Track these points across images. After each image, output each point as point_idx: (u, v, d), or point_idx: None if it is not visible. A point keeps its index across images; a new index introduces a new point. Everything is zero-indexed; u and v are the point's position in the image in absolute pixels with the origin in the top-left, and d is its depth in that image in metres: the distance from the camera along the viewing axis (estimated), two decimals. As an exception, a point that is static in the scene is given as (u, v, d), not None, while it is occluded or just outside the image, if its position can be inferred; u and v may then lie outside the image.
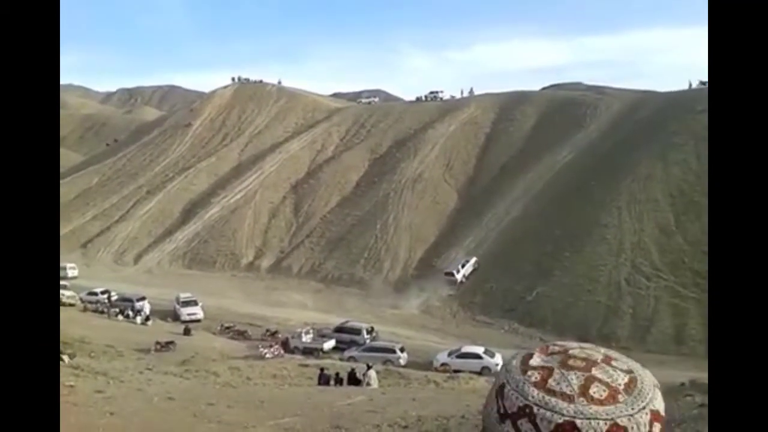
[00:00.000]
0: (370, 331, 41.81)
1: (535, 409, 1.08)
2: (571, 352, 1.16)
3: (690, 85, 79.08)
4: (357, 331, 41.41)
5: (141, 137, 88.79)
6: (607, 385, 1.08)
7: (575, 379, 1.09)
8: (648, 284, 45.54)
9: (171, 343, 36.07)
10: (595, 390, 1.08)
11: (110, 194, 74.94)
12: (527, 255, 52.31)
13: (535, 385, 1.11)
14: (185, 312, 46.05)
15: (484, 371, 33.25)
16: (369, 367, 27.97)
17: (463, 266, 55.34)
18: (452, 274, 54.67)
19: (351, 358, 35.61)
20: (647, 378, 1.12)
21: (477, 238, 59.21)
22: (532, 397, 1.10)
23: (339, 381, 28.24)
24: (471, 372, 32.42)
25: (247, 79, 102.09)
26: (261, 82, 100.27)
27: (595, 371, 1.10)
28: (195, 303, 47.33)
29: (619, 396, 1.08)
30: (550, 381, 1.10)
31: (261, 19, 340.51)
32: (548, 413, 1.07)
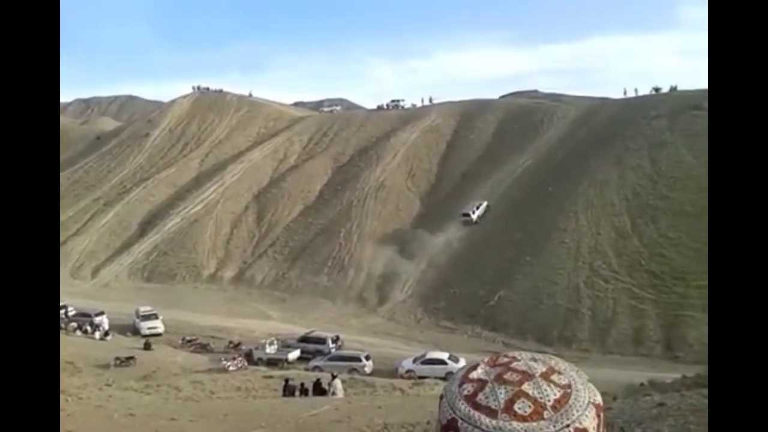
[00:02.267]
0: (335, 340, 41.73)
1: (460, 422, 1.09)
2: (514, 364, 1.15)
3: (628, 92, 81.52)
4: (322, 341, 41.27)
5: (98, 148, 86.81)
6: (534, 401, 1.08)
7: (503, 394, 1.10)
8: (606, 286, 46.63)
9: (131, 358, 35.43)
10: (519, 406, 1.08)
11: (66, 207, 72.98)
12: (489, 260, 53.02)
13: (466, 398, 1.12)
14: (145, 326, 45.25)
15: (449, 376, 33.24)
16: (334, 377, 27.96)
17: (477, 208, 62.41)
18: (468, 215, 61.62)
19: (316, 368, 35.49)
20: (583, 394, 1.11)
21: (439, 244, 59.71)
22: (459, 410, 1.11)
23: (304, 391, 28.11)
24: (436, 378, 32.64)
25: (207, 89, 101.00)
26: (221, 91, 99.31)
27: (526, 386, 1.10)
28: (155, 316, 46.51)
29: (545, 413, 1.07)
30: (480, 395, 1.11)
31: (222, 28, 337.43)
32: (470, 428, 1.08)
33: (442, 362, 36.31)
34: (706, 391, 12.74)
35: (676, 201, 52.61)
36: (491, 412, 1.08)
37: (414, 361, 37.17)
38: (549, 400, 1.08)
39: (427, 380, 32.45)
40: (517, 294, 48.24)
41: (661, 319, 42.83)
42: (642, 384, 19.93)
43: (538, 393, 1.09)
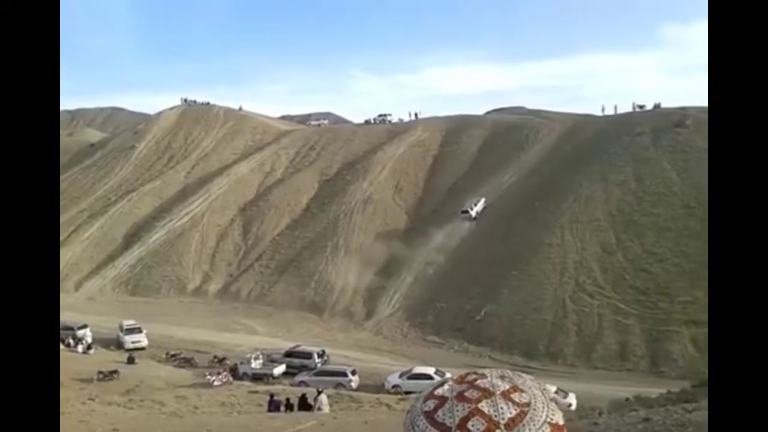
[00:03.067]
0: (321, 355, 41.48)
1: None
2: (478, 382, 1.16)
3: (606, 109, 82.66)
4: (308, 356, 41.01)
5: (83, 160, 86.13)
6: (488, 419, 1.09)
7: (459, 412, 1.10)
8: (591, 302, 46.90)
9: (114, 372, 35.00)
10: (473, 424, 1.09)
11: (49, 219, 72.26)
12: (476, 275, 53.14)
13: (425, 414, 1.13)
14: (129, 340, 44.76)
15: (435, 392, 33.44)
16: (320, 392, 27.83)
17: (476, 204, 64.01)
18: (467, 212, 63.26)
19: (302, 383, 35.30)
20: (540, 414, 1.12)
21: (426, 258, 59.81)
22: (418, 426, 1.13)
23: (289, 407, 27.94)
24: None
25: (194, 101, 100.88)
26: (208, 104, 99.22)
27: (482, 404, 1.11)
28: (139, 330, 46.04)
29: (497, 431, 1.08)
30: (439, 412, 1.12)
31: (209, 41, 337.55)
32: None
33: (428, 377, 36.17)
34: (690, 406, 12.86)
35: (660, 217, 53.23)
36: (445, 429, 1.09)
37: (400, 376, 37.06)
38: (503, 419, 1.09)
39: (413, 395, 32.37)
40: (504, 309, 48.36)
41: (645, 335, 43.13)
42: (628, 399, 20.03)
43: (494, 411, 1.10)
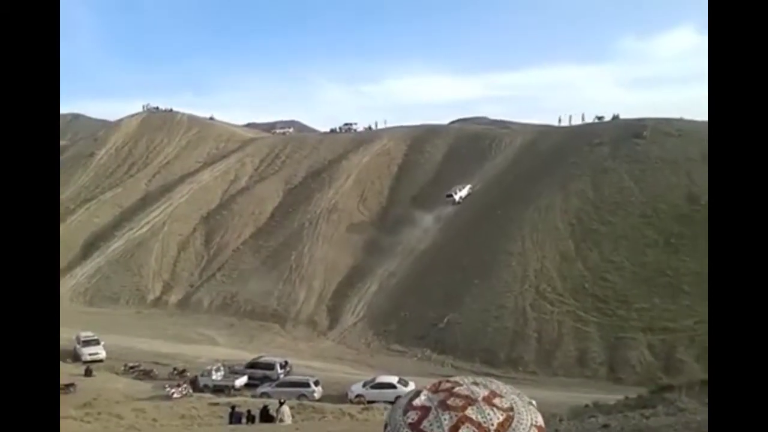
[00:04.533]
0: (283, 366, 41.14)
1: None
2: (456, 389, 1.16)
3: (563, 120, 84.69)
4: (270, 366, 40.63)
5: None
6: (478, 425, 1.09)
7: (447, 420, 1.10)
8: (552, 309, 47.65)
9: (71, 385, 34.14)
10: (464, 431, 1.09)
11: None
12: (438, 283, 53.53)
13: (411, 426, 1.12)
14: (86, 352, 43.70)
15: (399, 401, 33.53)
16: (282, 403, 27.61)
17: (461, 189, 67.29)
18: (451, 195, 66.48)
19: (264, 395, 34.96)
20: (525, 417, 1.13)
21: (391, 267, 60.00)
22: None
23: (251, 419, 27.68)
24: (386, 402, 32.55)
25: (157, 108, 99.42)
26: (171, 111, 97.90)
27: (469, 411, 1.11)
28: (97, 342, 44.99)
29: None
30: (425, 422, 1.11)
31: (172, 48, 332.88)
32: None
33: (391, 386, 36.25)
34: (647, 412, 13.21)
35: (618, 226, 54.47)
36: None
37: (364, 385, 37.01)
38: (492, 424, 1.09)
39: (376, 404, 32.41)
40: (466, 317, 48.78)
41: (604, 341, 44.00)
42: (587, 405, 20.29)
43: (482, 417, 1.10)
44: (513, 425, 1.10)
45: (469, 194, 67.63)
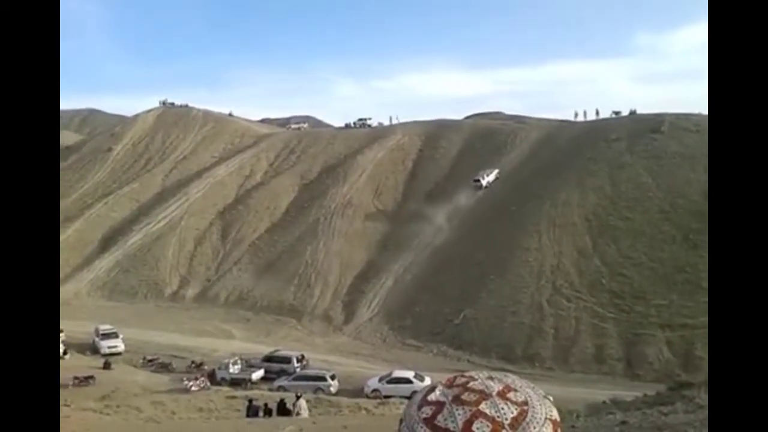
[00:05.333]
0: (300, 360, 41.37)
1: None
2: (471, 384, 1.16)
3: (578, 115, 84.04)
4: (287, 360, 40.89)
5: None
6: (491, 420, 1.09)
7: (461, 415, 1.10)
8: (568, 305, 47.40)
9: (90, 377, 34.61)
10: (478, 426, 1.08)
11: (23, 222, 70.99)
12: (454, 279, 53.44)
13: (425, 421, 1.12)
14: (105, 345, 44.23)
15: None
16: (299, 397, 27.76)
17: (488, 174, 68.07)
18: (478, 180, 67.30)
19: (281, 388, 35.17)
20: (540, 411, 1.13)
21: (406, 262, 59.97)
22: None
23: (268, 412, 27.85)
24: (402, 397, 32.63)
25: (172, 104, 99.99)
26: (187, 106, 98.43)
27: (483, 406, 1.11)
28: (115, 335, 45.49)
29: (503, 431, 1.09)
30: (439, 417, 1.11)
31: (187, 43, 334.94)
32: None
33: (407, 381, 36.32)
34: (665, 409, 13.10)
35: (635, 222, 54.02)
36: None
37: (380, 380, 37.12)
38: (507, 419, 1.09)
39: (392, 399, 32.49)
40: (482, 312, 48.66)
41: (621, 338, 43.71)
42: (604, 402, 20.15)
43: (496, 412, 1.10)
44: (527, 419, 1.10)
45: (496, 179, 68.14)
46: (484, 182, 67.54)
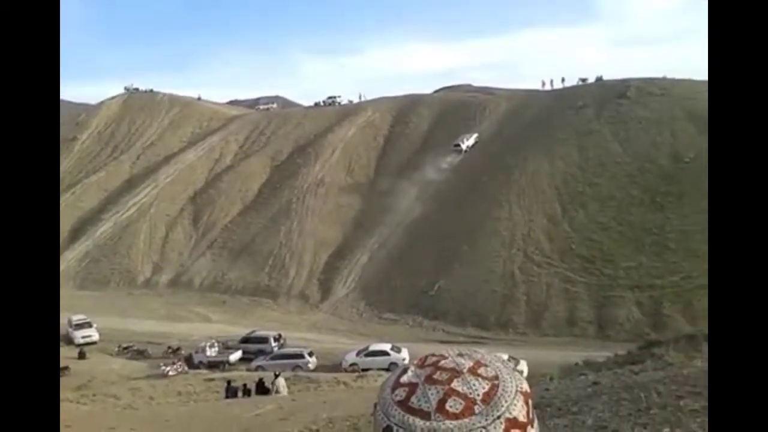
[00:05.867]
0: (277, 339, 41.52)
1: (395, 429, 1.10)
2: (442, 363, 1.16)
3: (545, 84, 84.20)
4: (264, 340, 41.01)
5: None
6: (464, 397, 1.09)
7: (434, 395, 1.10)
8: (540, 271, 48.17)
9: (65, 368, 34.25)
10: (451, 404, 1.09)
11: (-12, 216, 69.50)
12: (428, 252, 53.84)
13: (399, 404, 1.12)
14: (79, 335, 43.87)
15: (392, 367, 34.02)
16: (277, 375, 27.92)
17: (468, 138, 69.61)
18: (459, 145, 68.63)
19: (259, 368, 35.31)
20: (510, 384, 1.13)
21: (380, 238, 60.21)
22: (393, 417, 1.11)
23: (247, 392, 27.97)
24: (379, 369, 33.09)
25: (137, 89, 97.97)
26: (152, 91, 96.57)
27: (455, 383, 1.11)
28: (89, 325, 45.14)
29: (476, 407, 1.08)
30: (412, 398, 1.11)
31: (151, 27, 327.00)
32: None
33: (384, 353, 36.81)
34: (636, 368, 13.42)
35: (603, 187, 54.84)
36: (424, 414, 1.09)
37: (357, 354, 37.51)
38: (478, 395, 1.10)
39: (370, 372, 32.89)
40: (456, 283, 49.22)
41: (592, 301, 44.64)
42: (577, 364, 20.51)
43: (467, 389, 1.11)
44: (498, 393, 1.11)
45: (476, 143, 69.51)
46: (463, 146, 68.77)
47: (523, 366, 31.61)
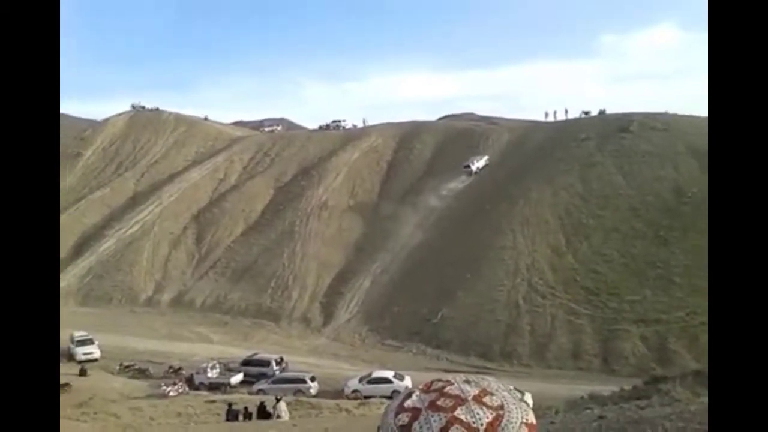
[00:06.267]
0: (279, 362, 41.24)
1: None
2: (447, 389, 1.15)
3: (548, 115, 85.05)
4: (266, 363, 40.73)
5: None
6: (467, 426, 1.08)
7: (436, 422, 1.09)
8: (544, 302, 48.04)
9: (66, 385, 33.89)
10: None
11: (-10, 229, 69.27)
12: (431, 278, 53.75)
13: (401, 428, 1.11)
14: (80, 352, 43.50)
15: (395, 395, 33.58)
16: (278, 400, 27.77)
17: (478, 160, 70.72)
18: (468, 166, 69.76)
19: (260, 391, 35.04)
20: (516, 415, 1.12)
21: (383, 263, 60.13)
22: None
23: (248, 415, 27.79)
24: (382, 396, 32.81)
25: (143, 107, 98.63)
26: (157, 110, 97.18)
27: (459, 411, 1.10)
28: (91, 342, 44.78)
29: None
30: (415, 425, 1.10)
31: (157, 47, 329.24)
32: None
33: (387, 381, 36.47)
34: (642, 403, 13.41)
35: (607, 219, 55.02)
36: None
37: (359, 380, 37.19)
38: (482, 424, 1.08)
39: (373, 399, 32.63)
40: (459, 311, 49.05)
41: (597, 334, 44.43)
42: (582, 397, 20.42)
43: (471, 417, 1.09)
44: (503, 424, 1.09)
45: (486, 165, 70.26)
46: (474, 167, 69.52)
47: (528, 398, 31.12)
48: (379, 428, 1.16)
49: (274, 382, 36.89)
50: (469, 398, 1.12)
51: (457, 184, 69.23)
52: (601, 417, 12.08)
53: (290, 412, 28.16)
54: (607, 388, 23.26)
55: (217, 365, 39.77)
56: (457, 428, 1.06)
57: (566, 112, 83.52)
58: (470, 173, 69.26)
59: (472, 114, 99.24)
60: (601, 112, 79.92)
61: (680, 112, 70.79)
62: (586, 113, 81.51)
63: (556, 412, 16.05)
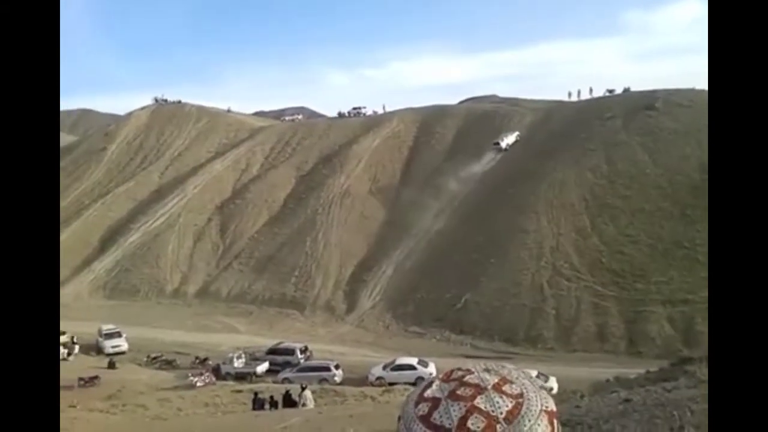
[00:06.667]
0: (303, 351, 41.52)
1: None
2: (467, 378, 1.15)
3: (572, 95, 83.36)
4: (290, 352, 41.03)
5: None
6: (486, 415, 1.08)
7: (456, 411, 1.09)
8: (569, 285, 47.50)
9: (95, 377, 34.77)
10: (473, 422, 1.08)
11: (21, 225, 70.82)
12: (454, 263, 53.50)
13: (421, 418, 1.12)
14: (109, 344, 44.34)
15: (419, 381, 33.68)
16: (304, 388, 27.93)
17: (508, 136, 70.41)
18: (498, 143, 69.51)
19: (286, 380, 35.32)
20: (535, 403, 1.12)
21: (406, 249, 60.04)
22: None
23: (274, 404, 28.02)
24: (406, 383, 32.84)
25: (165, 100, 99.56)
26: (180, 102, 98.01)
27: (478, 400, 1.10)
28: (119, 334, 45.59)
29: (498, 426, 1.07)
30: (435, 414, 1.11)
31: (177, 39, 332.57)
32: None
33: (411, 367, 36.52)
34: (669, 385, 13.15)
35: (633, 199, 54.04)
36: (445, 431, 1.08)
37: (384, 367, 37.29)
38: (501, 413, 1.09)
39: (397, 386, 32.67)
40: (483, 296, 48.78)
41: (623, 316, 43.86)
42: (608, 380, 20.20)
43: (491, 406, 1.09)
44: (522, 412, 1.10)
45: (516, 141, 69.70)
46: (503, 144, 69.15)
47: (553, 382, 31.09)
48: (399, 418, 1.17)
49: (299, 371, 37.16)
50: (489, 387, 1.13)
51: (480, 167, 68.56)
52: (627, 400, 11.93)
53: (315, 400, 28.34)
54: (633, 370, 22.91)
55: (243, 355, 40.20)
56: (476, 417, 1.08)
57: (591, 90, 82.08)
58: (500, 149, 68.90)
59: (494, 96, 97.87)
60: (626, 90, 78.31)
61: (706, 88, 68.96)
62: (611, 91, 79.94)
63: (582, 396, 15.88)
